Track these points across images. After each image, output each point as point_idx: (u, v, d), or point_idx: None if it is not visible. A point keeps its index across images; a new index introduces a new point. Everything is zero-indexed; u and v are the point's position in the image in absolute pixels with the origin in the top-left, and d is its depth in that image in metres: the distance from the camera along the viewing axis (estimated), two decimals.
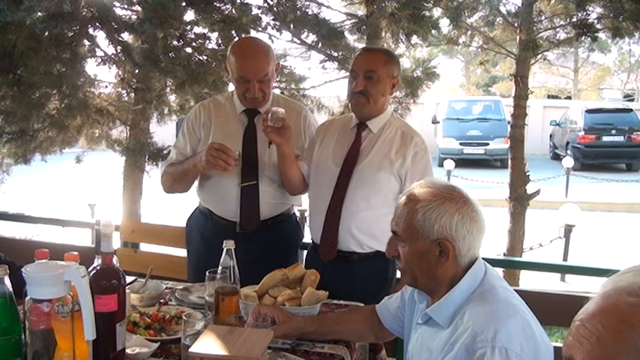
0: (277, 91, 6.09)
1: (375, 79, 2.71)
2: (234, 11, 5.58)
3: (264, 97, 2.88)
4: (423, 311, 1.84)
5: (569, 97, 29.12)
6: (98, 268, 1.79)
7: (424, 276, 1.79)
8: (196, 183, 3.05)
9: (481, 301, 1.68)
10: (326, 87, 6.30)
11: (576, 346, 1.00)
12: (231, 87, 3.18)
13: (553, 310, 2.81)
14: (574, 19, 6.15)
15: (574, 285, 6.76)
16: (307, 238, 3.17)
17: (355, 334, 2.27)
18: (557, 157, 18.45)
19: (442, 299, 1.75)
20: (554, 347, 1.69)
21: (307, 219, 3.32)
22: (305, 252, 3.19)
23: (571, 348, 1.01)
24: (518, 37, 6.50)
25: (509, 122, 7.04)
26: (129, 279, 2.52)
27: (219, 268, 2.11)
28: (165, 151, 5.57)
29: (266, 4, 5.66)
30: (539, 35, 6.43)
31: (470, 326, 1.60)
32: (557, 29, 6.46)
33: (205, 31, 5.78)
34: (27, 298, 1.61)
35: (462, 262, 1.74)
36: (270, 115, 2.63)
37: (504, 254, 6.52)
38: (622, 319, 0.96)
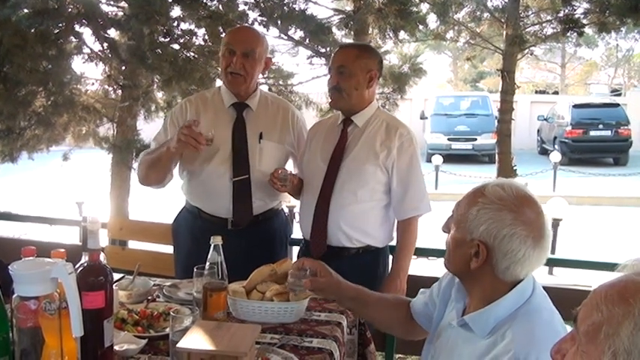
0: (265, 88, 6.11)
1: (346, 73, 2.74)
2: (220, 7, 5.58)
3: (246, 77, 2.85)
4: (459, 312, 1.79)
5: (556, 92, 29.27)
6: (85, 265, 1.78)
7: (456, 264, 1.76)
8: (182, 182, 3.02)
9: (526, 321, 1.61)
10: (314, 83, 6.31)
11: (584, 304, 1.11)
12: (219, 82, 3.17)
13: None
14: (560, 14, 6.18)
15: (562, 278, 6.79)
16: (298, 234, 3.18)
17: (386, 320, 2.25)
18: (544, 152, 18.54)
19: (485, 309, 1.68)
20: None
21: (296, 215, 3.33)
22: (294, 248, 3.20)
23: (583, 305, 1.11)
24: (504, 33, 6.53)
25: (496, 117, 7.08)
26: (117, 276, 2.51)
27: (207, 264, 2.11)
28: None
29: (252, 0, 5.66)
30: (526, 30, 6.47)
31: (512, 349, 1.54)
32: (544, 24, 6.50)
33: (192, 27, 5.77)
34: (14, 296, 1.60)
35: (501, 277, 1.66)
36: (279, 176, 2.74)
37: None
38: (622, 293, 1.05)
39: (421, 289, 2.20)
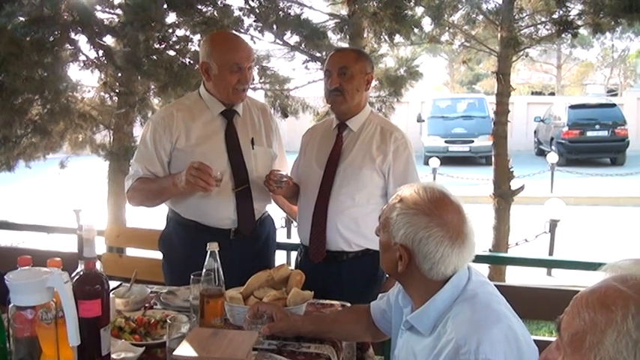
0: (261, 93, 6.12)
1: (348, 74, 2.76)
2: (215, 13, 5.58)
3: (248, 88, 2.87)
4: (407, 317, 1.82)
5: (552, 93, 29.31)
6: (81, 273, 1.78)
7: (387, 267, 1.83)
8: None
9: (463, 309, 1.65)
10: (310, 87, 6.31)
11: (566, 312, 1.12)
12: None
13: (540, 305, 2.84)
14: (555, 16, 6.18)
15: (560, 279, 6.80)
16: (295, 239, 3.18)
17: (352, 334, 2.29)
18: (541, 153, 18.57)
19: (423, 307, 1.73)
20: (540, 341, 1.71)
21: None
22: (292, 253, 3.19)
23: (565, 313, 1.12)
24: (499, 35, 6.53)
25: (493, 119, 7.08)
26: (114, 284, 2.51)
27: (204, 270, 2.11)
28: None
29: (247, 6, 5.67)
30: (521, 32, 6.47)
31: (453, 338, 1.57)
32: (539, 26, 6.49)
33: (187, 33, 5.78)
34: (10, 306, 1.60)
35: (428, 276, 1.71)
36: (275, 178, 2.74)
37: (490, 250, 6.54)
38: (602, 300, 1.06)
39: (380, 294, 2.24)
